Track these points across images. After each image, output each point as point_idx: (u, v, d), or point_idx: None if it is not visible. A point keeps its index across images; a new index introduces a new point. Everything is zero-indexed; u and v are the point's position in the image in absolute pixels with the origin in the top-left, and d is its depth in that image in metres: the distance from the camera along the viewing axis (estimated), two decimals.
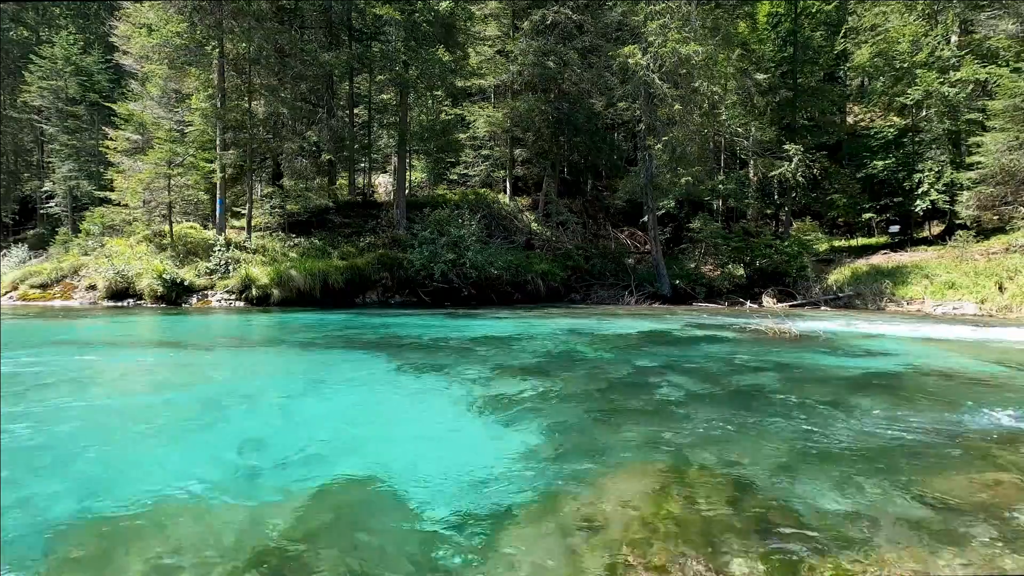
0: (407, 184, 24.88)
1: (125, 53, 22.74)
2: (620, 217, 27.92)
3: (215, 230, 19.40)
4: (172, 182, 18.66)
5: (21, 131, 31.33)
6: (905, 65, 21.77)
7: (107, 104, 24.76)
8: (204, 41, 18.63)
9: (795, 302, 19.53)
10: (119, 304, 16.59)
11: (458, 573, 2.67)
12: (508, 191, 26.66)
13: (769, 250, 21.13)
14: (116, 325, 12.66)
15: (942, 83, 20.17)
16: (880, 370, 7.69)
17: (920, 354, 9.36)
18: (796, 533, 3.02)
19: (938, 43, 21.12)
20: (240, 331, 12.31)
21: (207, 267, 17.70)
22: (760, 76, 21.91)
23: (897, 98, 22.60)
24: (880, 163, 22.93)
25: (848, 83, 30.70)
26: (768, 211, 26.62)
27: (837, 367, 7.93)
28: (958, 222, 21.21)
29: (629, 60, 19.61)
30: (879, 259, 20.93)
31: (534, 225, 25.04)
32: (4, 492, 3.43)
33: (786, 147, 21.99)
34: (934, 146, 21.44)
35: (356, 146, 22.64)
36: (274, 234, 20.50)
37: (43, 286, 18.03)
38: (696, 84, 19.67)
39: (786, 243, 21.36)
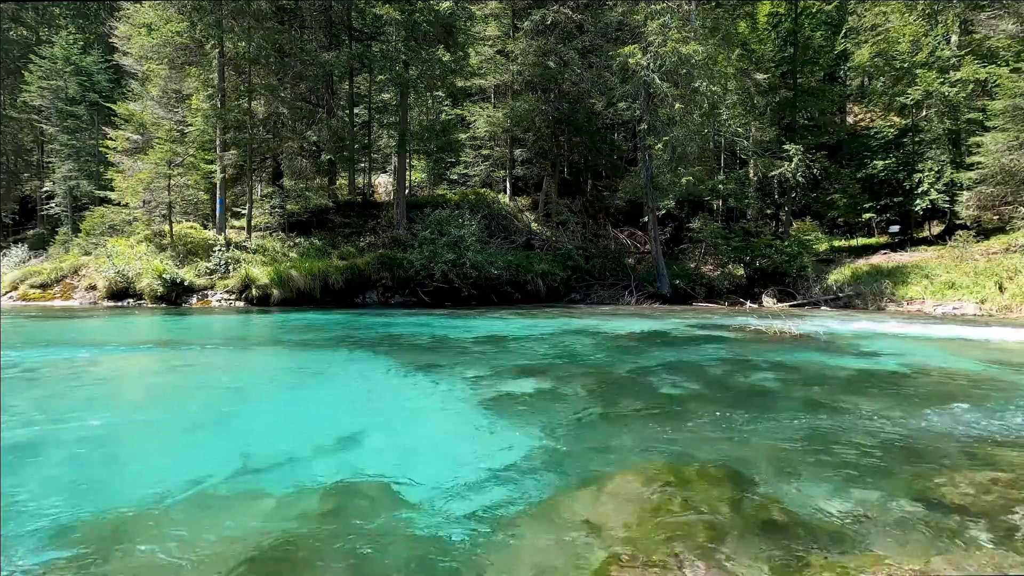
0: (407, 184, 24.88)
1: (125, 53, 22.76)
2: (620, 217, 27.92)
3: (215, 230, 19.41)
4: (172, 182, 18.65)
5: (21, 131, 31.35)
6: (905, 65, 21.76)
7: (107, 104, 24.77)
8: (204, 41, 18.64)
9: (795, 302, 19.53)
10: (119, 304, 16.59)
11: (458, 573, 2.67)
12: (508, 191, 26.66)
13: (769, 250, 21.11)
14: (116, 325, 12.66)
15: (942, 83, 20.16)
16: (880, 370, 7.69)
17: (920, 354, 9.36)
18: (796, 533, 3.02)
19: (938, 43, 21.11)
20: (240, 331, 12.31)
21: (207, 267, 17.70)
22: (760, 76, 21.89)
23: (897, 98, 22.57)
24: (880, 163, 22.92)
25: (848, 83, 30.68)
26: (768, 211, 26.62)
27: (837, 367, 7.93)
28: (958, 222, 21.20)
29: (629, 60, 19.60)
30: (879, 259, 20.92)
31: (534, 225, 25.04)
32: (5, 491, 3.43)
33: (786, 147, 21.98)
34: (934, 146, 21.43)
35: (356, 146, 22.64)
36: (274, 234, 20.51)
37: (43, 286, 18.03)
38: (696, 84, 19.65)
39: (786, 243, 21.35)
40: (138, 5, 21.20)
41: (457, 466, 4.05)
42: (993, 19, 19.99)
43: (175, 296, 16.65)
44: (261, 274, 16.90)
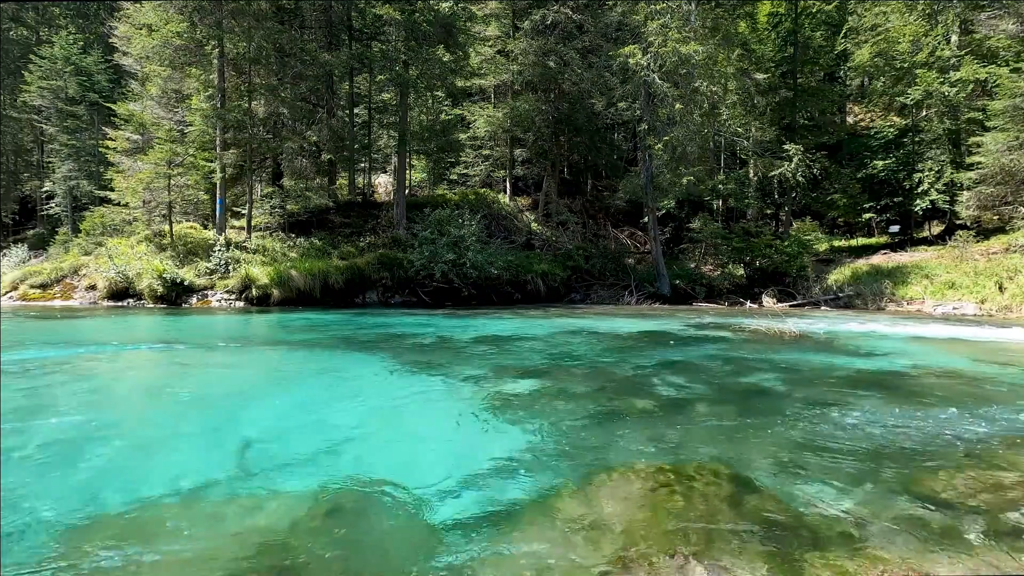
0: (407, 184, 24.88)
1: (125, 53, 22.76)
2: (620, 217, 27.92)
3: (215, 230, 19.40)
4: (172, 182, 18.65)
5: (21, 131, 31.34)
6: (905, 65, 21.77)
7: (107, 104, 24.76)
8: (204, 41, 18.63)
9: (795, 302, 19.53)
10: (119, 304, 16.59)
11: (458, 573, 2.67)
12: (508, 191, 26.66)
13: (769, 250, 21.12)
14: (116, 325, 12.65)
15: (942, 83, 20.17)
16: (880, 370, 7.69)
17: (920, 354, 9.35)
18: (796, 533, 3.03)
19: (938, 43, 21.11)
20: (240, 331, 12.31)
21: (207, 267, 17.70)
22: (760, 76, 21.91)
23: (897, 98, 22.59)
24: (880, 163, 22.93)
25: (848, 83, 30.70)
26: (768, 211, 26.63)
27: (837, 367, 7.93)
28: (958, 222, 21.21)
29: (629, 60, 19.60)
30: (879, 259, 20.92)
31: (534, 225, 25.04)
32: (5, 489, 3.43)
33: (786, 147, 21.99)
34: (934, 146, 21.44)
35: (356, 146, 22.64)
36: (274, 234, 20.50)
37: (43, 286, 18.04)
38: (696, 84, 19.66)
39: (786, 243, 21.35)
40: (138, 5, 21.19)
41: (457, 466, 4.05)
42: (993, 19, 20.00)
43: (175, 296, 16.65)
44: (261, 274, 16.90)
